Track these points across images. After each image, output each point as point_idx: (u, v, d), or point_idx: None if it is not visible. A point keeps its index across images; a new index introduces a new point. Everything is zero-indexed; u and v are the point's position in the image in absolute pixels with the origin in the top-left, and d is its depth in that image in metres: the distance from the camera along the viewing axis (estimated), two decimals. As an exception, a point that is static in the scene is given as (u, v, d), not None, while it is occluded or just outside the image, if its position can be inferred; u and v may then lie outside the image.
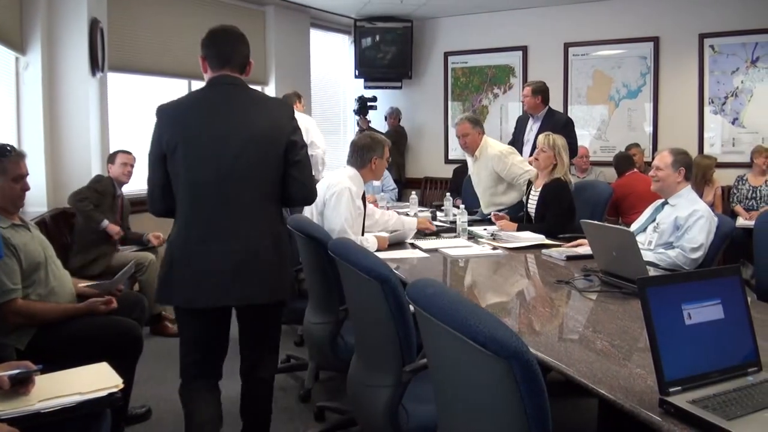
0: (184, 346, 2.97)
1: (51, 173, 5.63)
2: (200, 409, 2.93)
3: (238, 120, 2.80)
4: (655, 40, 8.27)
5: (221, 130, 2.78)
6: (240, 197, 2.79)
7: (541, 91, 6.32)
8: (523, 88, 6.62)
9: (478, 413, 1.74)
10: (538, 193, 4.88)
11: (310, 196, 3.01)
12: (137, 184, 6.05)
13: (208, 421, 2.92)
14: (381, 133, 8.20)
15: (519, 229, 4.72)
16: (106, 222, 5.26)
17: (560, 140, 4.86)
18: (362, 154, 4.26)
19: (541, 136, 4.96)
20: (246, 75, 2.93)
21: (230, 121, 2.79)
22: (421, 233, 4.69)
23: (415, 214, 5.65)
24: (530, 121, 6.45)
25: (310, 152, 6.87)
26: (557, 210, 4.72)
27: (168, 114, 2.85)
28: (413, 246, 4.36)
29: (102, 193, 5.27)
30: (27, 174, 3.23)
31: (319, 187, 3.85)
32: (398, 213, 5.10)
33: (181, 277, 2.81)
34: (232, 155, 2.76)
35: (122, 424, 3.55)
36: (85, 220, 5.23)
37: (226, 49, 2.87)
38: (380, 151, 4.28)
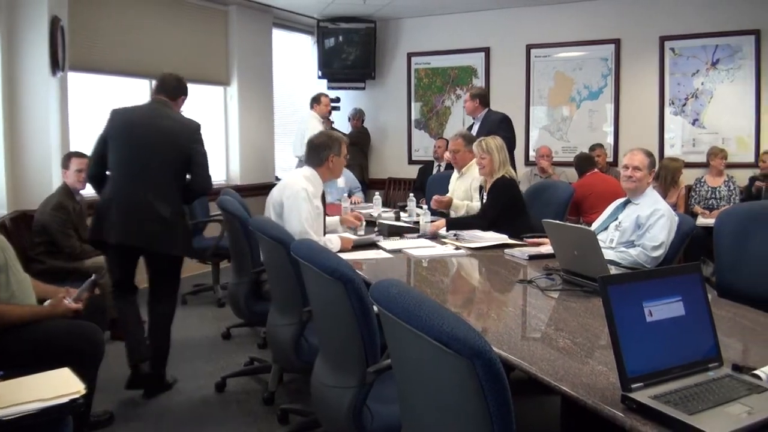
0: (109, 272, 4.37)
1: (11, 175, 5.50)
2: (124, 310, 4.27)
3: (156, 123, 4.09)
4: (617, 43, 8.36)
5: (144, 128, 4.08)
6: (149, 172, 4.02)
7: (479, 95, 6.81)
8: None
9: (442, 412, 1.74)
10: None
11: (205, 187, 4.23)
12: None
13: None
14: (344, 134, 8.23)
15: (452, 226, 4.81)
16: None
17: (492, 141, 4.99)
18: (319, 152, 4.23)
19: (475, 146, 5.10)
20: (173, 100, 4.29)
21: (151, 123, 4.09)
22: (384, 232, 4.68)
23: (379, 215, 5.68)
24: (474, 124, 6.80)
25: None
26: (497, 204, 4.81)
27: (115, 113, 4.20)
28: (377, 247, 4.34)
29: (68, 220, 5.12)
30: None
31: (275, 189, 4.28)
32: (362, 213, 5.13)
33: (108, 222, 4.03)
34: (148, 144, 4.04)
35: (84, 430, 3.48)
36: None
37: (161, 82, 4.34)
38: (337, 149, 4.25)
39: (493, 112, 6.79)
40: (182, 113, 4.40)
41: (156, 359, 4.24)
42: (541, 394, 3.06)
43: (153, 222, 4.01)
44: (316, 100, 8.16)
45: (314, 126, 7.73)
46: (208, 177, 4.23)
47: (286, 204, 4.04)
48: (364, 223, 4.92)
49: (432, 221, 4.77)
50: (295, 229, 3.90)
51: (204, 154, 4.19)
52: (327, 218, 4.67)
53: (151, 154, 4.04)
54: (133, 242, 4.06)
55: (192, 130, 4.18)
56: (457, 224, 4.84)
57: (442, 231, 4.74)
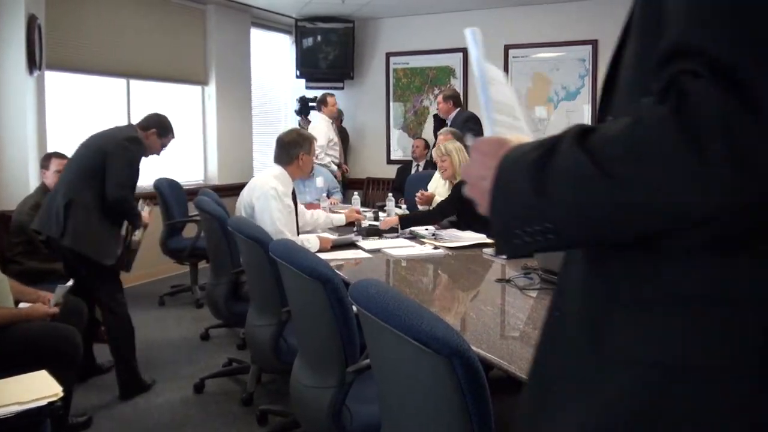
0: None
1: (-14, 175, 5.46)
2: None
3: (99, 133, 4.26)
4: (594, 43, 8.42)
5: (89, 138, 4.26)
6: (68, 171, 4.17)
7: (452, 97, 7.17)
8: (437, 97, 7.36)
9: (421, 412, 1.74)
10: None
11: (113, 193, 4.01)
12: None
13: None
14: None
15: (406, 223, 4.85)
16: None
17: (450, 145, 5.08)
18: (289, 150, 4.22)
19: (434, 152, 5.24)
20: (143, 130, 4.32)
21: (96, 134, 4.27)
22: (363, 232, 4.69)
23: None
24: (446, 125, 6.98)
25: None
26: (453, 201, 4.84)
27: None
28: (356, 246, 4.35)
29: None
30: None
31: (244, 189, 4.25)
32: (339, 213, 5.16)
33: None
34: (81, 148, 4.22)
35: (62, 433, 3.46)
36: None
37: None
38: (307, 147, 4.25)
39: (462, 112, 7.00)
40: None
41: (117, 368, 4.24)
42: (519, 392, 3.06)
43: (52, 210, 4.05)
44: (322, 102, 8.07)
45: (322, 129, 7.68)
46: (117, 184, 4.04)
47: (257, 205, 4.02)
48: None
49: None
50: (269, 229, 3.87)
51: (122, 160, 4.07)
52: (315, 216, 4.69)
53: (77, 158, 4.19)
54: (43, 229, 4.18)
55: (121, 138, 4.14)
56: (410, 221, 4.87)
57: (421, 230, 4.75)
